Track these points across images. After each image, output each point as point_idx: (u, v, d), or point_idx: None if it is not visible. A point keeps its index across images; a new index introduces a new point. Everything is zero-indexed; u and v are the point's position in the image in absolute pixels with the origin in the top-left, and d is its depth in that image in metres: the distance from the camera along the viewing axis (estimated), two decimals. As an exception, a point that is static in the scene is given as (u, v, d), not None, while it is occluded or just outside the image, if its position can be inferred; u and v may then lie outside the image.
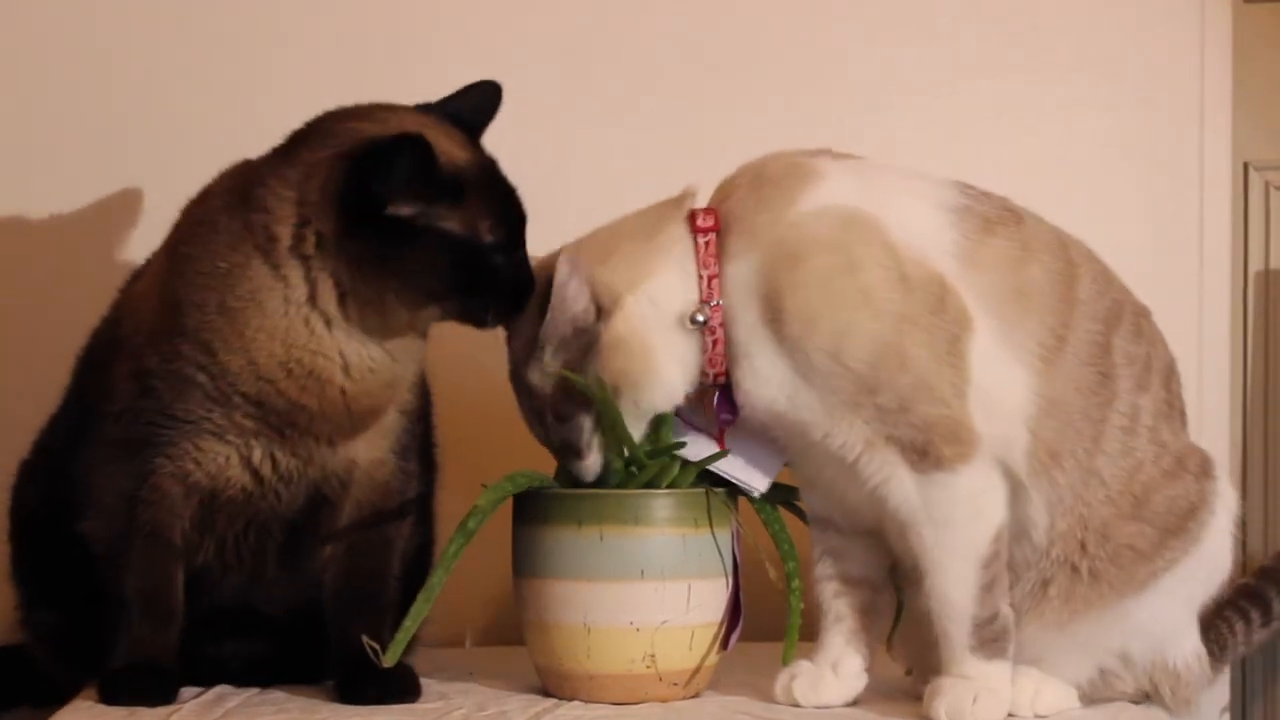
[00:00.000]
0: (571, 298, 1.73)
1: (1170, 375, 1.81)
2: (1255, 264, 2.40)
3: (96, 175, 2.26)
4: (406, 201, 1.69)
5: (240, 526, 1.80)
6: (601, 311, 1.75)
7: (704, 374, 1.76)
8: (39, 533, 1.90)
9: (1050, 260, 1.75)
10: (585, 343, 1.74)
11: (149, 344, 1.76)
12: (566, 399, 1.76)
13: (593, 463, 1.78)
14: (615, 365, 1.74)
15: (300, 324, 1.72)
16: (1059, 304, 1.73)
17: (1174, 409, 1.80)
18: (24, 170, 2.28)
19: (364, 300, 1.72)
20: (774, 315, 1.71)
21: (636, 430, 1.77)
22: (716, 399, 1.76)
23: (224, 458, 1.76)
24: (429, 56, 2.27)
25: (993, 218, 1.75)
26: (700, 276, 1.74)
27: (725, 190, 1.78)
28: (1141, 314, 1.80)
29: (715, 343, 1.74)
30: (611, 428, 1.75)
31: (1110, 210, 2.34)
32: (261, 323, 1.72)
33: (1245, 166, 2.40)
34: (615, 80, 2.32)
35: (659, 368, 1.75)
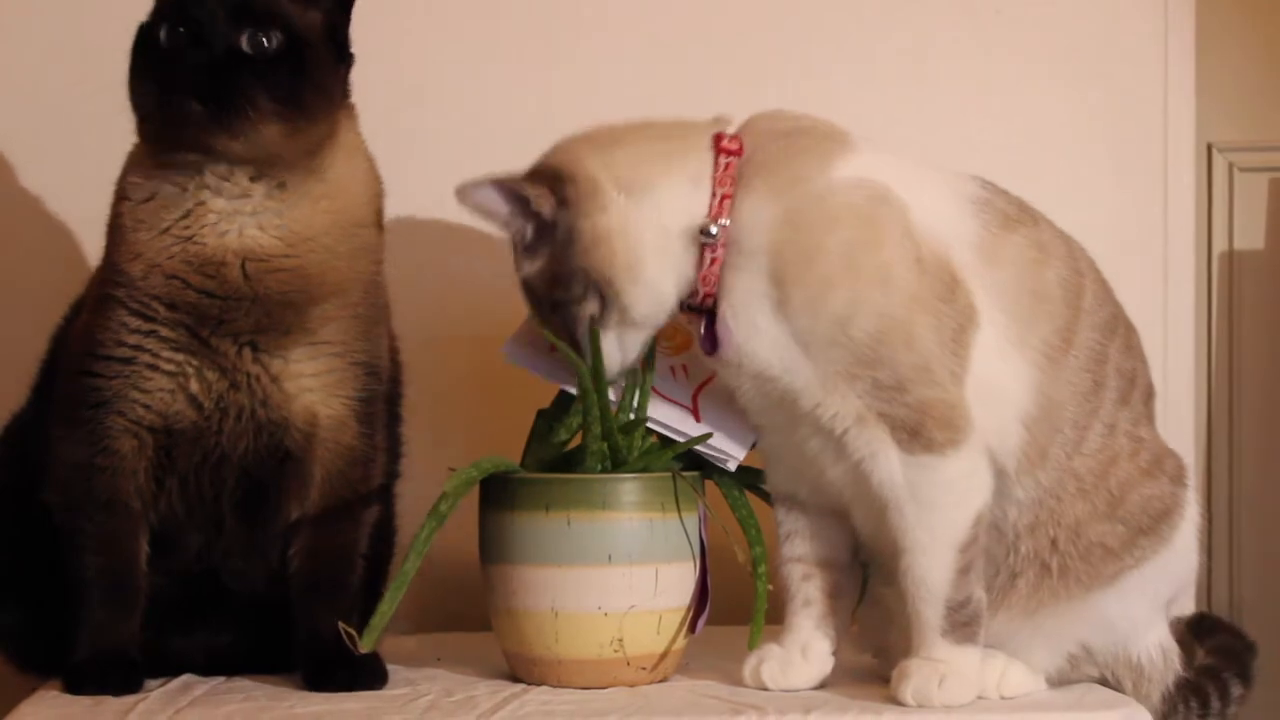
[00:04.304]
0: (486, 207, 1.74)
1: (1149, 396, 1.82)
2: (1219, 245, 2.41)
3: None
4: None
5: (197, 460, 1.79)
6: (566, 200, 1.73)
7: (694, 292, 1.73)
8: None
9: (1062, 266, 1.75)
10: (562, 237, 1.73)
11: (90, 296, 1.81)
12: (556, 287, 1.75)
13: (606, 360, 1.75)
14: (597, 262, 1.72)
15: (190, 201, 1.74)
16: (1066, 309, 1.74)
17: (1150, 421, 1.81)
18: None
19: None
20: (783, 275, 1.69)
21: (631, 352, 1.76)
22: (703, 328, 1.74)
23: (169, 392, 1.76)
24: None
25: (1012, 215, 1.75)
26: (714, 194, 1.71)
27: (752, 128, 1.76)
28: (1132, 330, 1.81)
29: (714, 261, 1.71)
30: (592, 410, 1.75)
31: (1074, 192, 2.34)
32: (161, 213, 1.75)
33: (1209, 148, 2.41)
34: (586, 60, 2.31)
35: (648, 272, 1.73)
